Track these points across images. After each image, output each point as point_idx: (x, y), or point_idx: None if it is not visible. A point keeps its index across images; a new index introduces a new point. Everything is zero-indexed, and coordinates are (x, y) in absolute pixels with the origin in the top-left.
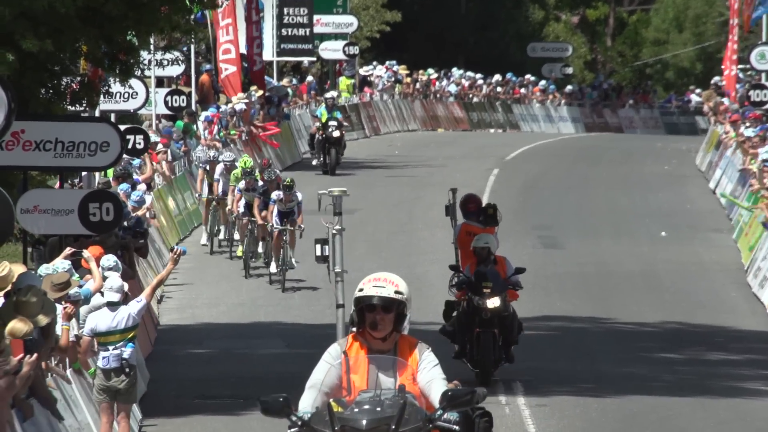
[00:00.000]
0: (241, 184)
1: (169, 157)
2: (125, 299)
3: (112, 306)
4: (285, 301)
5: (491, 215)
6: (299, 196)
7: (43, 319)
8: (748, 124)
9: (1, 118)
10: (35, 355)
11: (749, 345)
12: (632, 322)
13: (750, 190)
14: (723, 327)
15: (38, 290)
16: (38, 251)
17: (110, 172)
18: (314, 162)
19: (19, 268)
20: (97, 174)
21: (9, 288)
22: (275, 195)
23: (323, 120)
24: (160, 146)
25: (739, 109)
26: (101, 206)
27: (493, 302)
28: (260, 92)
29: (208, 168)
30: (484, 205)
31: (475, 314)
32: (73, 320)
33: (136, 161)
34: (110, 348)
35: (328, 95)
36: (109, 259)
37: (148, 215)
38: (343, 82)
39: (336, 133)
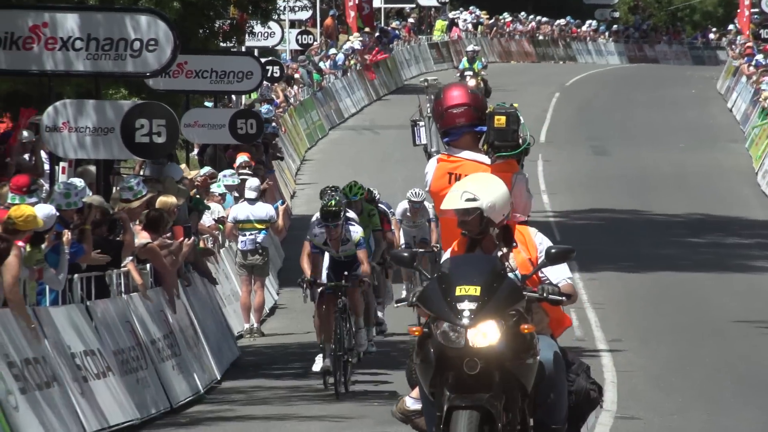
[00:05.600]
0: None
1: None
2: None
3: (250, 201)
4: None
5: (504, 130)
6: (355, 231)
7: (179, 200)
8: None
9: (168, 52)
10: (192, 238)
11: (758, 231)
12: (665, 214)
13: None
14: (737, 217)
15: (171, 180)
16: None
17: (253, 94)
18: None
19: (171, 200)
20: (243, 97)
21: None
22: (313, 235)
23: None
24: (296, 75)
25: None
26: (246, 122)
27: (481, 334)
28: (368, 31)
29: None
30: (492, 107)
31: (445, 366)
32: (220, 207)
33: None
34: (247, 234)
35: (469, 48)
36: (243, 156)
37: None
38: (439, 24)
39: (471, 82)
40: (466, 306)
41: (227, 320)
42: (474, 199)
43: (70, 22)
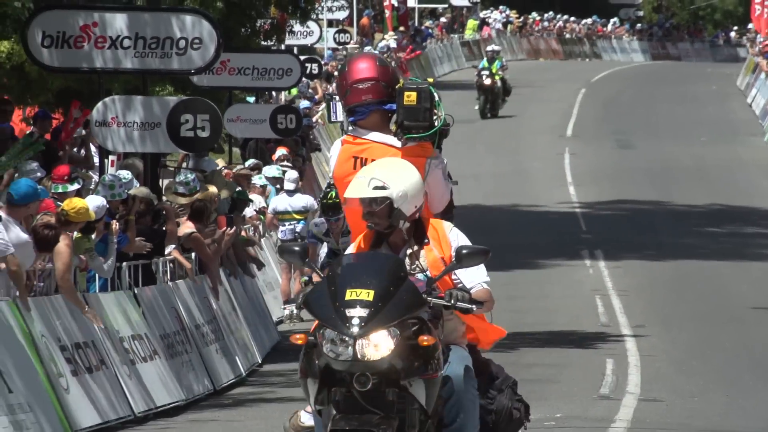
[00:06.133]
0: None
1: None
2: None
3: (289, 192)
4: None
5: (415, 108)
6: None
7: (224, 192)
8: None
9: (212, 50)
10: (233, 227)
11: None
12: (686, 205)
13: None
14: (756, 208)
15: (220, 172)
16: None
17: (293, 90)
18: (476, 107)
19: (212, 190)
20: (283, 93)
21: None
22: (314, 225)
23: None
24: (336, 72)
25: None
26: (286, 117)
27: (373, 345)
28: (403, 30)
29: None
30: (402, 83)
31: (332, 381)
32: (261, 199)
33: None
34: (286, 224)
35: (488, 48)
36: (282, 150)
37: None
38: (470, 23)
39: (487, 81)
40: (357, 313)
41: (268, 306)
42: (383, 188)
43: (118, 22)
